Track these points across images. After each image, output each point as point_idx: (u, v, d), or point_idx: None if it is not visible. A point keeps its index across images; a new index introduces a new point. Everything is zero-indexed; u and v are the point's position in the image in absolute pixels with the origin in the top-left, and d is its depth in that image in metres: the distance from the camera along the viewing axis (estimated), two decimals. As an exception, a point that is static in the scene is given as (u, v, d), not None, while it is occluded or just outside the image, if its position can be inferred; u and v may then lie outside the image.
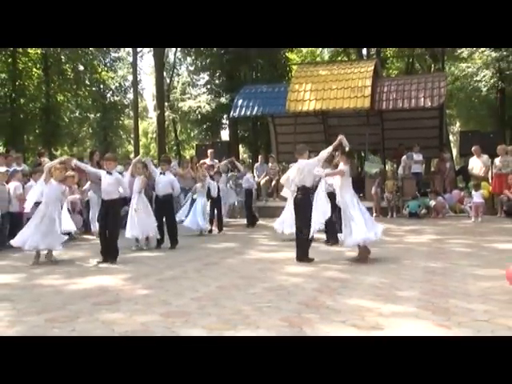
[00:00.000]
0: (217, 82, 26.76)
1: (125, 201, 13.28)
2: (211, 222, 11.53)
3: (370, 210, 14.22)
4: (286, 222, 9.25)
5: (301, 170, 7.47)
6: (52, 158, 16.02)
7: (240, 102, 18.23)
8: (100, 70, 29.37)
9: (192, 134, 33.85)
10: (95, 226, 11.09)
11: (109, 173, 7.72)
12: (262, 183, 16.00)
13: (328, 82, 16.42)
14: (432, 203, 13.51)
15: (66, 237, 8.19)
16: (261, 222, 12.89)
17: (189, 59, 32.02)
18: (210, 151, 15.77)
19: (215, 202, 11.64)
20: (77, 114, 29.94)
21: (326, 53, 33.24)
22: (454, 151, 29.22)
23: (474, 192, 12.63)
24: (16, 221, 9.50)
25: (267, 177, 16.25)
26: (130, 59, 30.53)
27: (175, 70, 36.06)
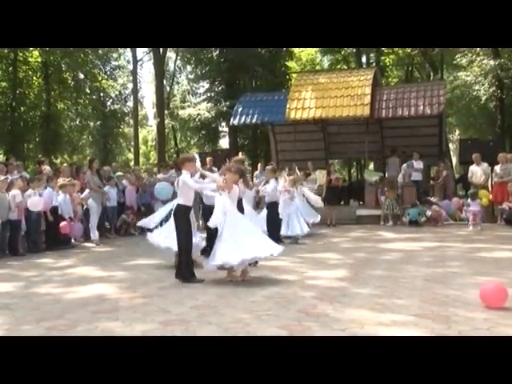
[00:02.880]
0: (216, 90, 26.85)
1: (123, 207, 13.33)
2: None
3: (370, 217, 14.33)
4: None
5: None
6: (52, 166, 16.04)
7: (240, 109, 18.31)
8: (100, 78, 29.47)
9: (192, 142, 33.94)
10: (95, 234, 11.11)
11: None
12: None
13: (327, 90, 16.50)
14: (428, 213, 13.49)
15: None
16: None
17: (189, 67, 32.18)
18: (208, 159, 15.77)
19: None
20: (77, 122, 30.02)
21: (326, 61, 33.39)
22: (454, 159, 29.25)
23: (470, 200, 12.64)
24: (15, 229, 9.50)
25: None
26: (130, 67, 30.66)
27: (175, 78, 36.21)
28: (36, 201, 9.67)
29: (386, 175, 16.50)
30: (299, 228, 10.57)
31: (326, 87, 16.64)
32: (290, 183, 10.72)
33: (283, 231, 10.31)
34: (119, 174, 14.25)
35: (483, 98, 21.81)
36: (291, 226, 10.48)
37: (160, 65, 26.93)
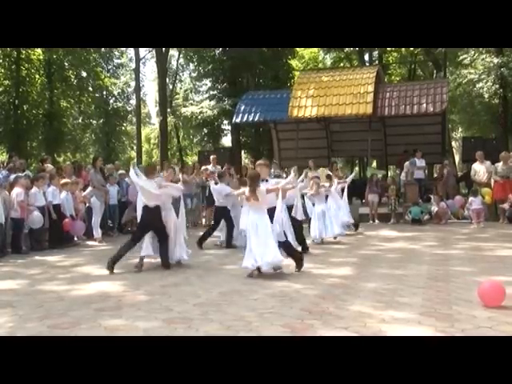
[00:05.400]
0: (219, 88, 26.82)
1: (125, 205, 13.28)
2: None
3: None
4: None
5: None
6: (55, 164, 16.07)
7: (242, 108, 18.29)
8: (103, 76, 29.52)
9: (194, 140, 33.96)
10: (98, 233, 11.11)
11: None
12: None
13: (330, 88, 16.48)
14: (434, 209, 13.48)
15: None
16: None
17: (191, 65, 32.15)
18: (212, 157, 15.75)
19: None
20: (79, 120, 30.11)
21: (328, 59, 33.33)
22: (457, 157, 29.20)
23: (472, 198, 12.61)
24: (18, 227, 9.51)
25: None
26: (133, 65, 30.69)
27: (178, 77, 36.21)
28: (37, 218, 9.66)
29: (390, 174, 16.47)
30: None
31: (328, 85, 16.62)
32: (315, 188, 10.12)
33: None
34: (121, 172, 14.10)
35: (486, 96, 21.75)
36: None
37: (162, 63, 26.94)
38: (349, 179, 12.10)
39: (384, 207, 14.28)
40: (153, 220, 7.44)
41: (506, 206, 12.76)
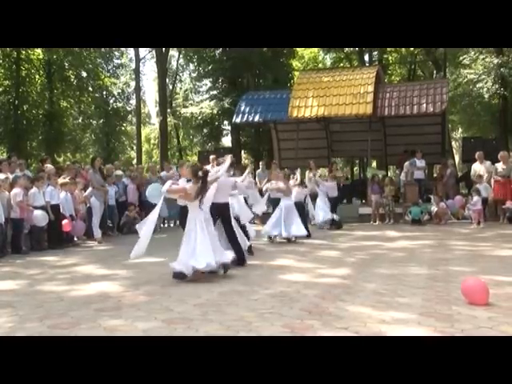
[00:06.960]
0: (219, 88, 26.82)
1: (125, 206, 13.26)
2: None
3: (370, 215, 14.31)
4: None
5: None
6: (54, 164, 16.04)
7: (242, 108, 18.28)
8: (103, 76, 29.51)
9: (194, 140, 33.96)
10: (98, 232, 11.11)
11: None
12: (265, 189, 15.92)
13: (330, 88, 16.47)
14: (434, 209, 13.48)
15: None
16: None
17: (191, 66, 32.16)
18: (212, 157, 15.70)
19: None
20: (79, 120, 30.10)
21: (328, 59, 33.34)
22: (457, 157, 29.21)
23: (475, 196, 12.61)
24: (18, 227, 9.51)
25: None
26: (133, 65, 30.69)
27: (177, 77, 36.22)
28: (41, 216, 9.67)
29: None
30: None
31: (328, 85, 16.60)
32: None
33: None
34: (117, 173, 13.83)
35: (486, 96, 21.78)
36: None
37: (162, 63, 26.94)
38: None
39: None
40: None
41: (508, 205, 12.74)
